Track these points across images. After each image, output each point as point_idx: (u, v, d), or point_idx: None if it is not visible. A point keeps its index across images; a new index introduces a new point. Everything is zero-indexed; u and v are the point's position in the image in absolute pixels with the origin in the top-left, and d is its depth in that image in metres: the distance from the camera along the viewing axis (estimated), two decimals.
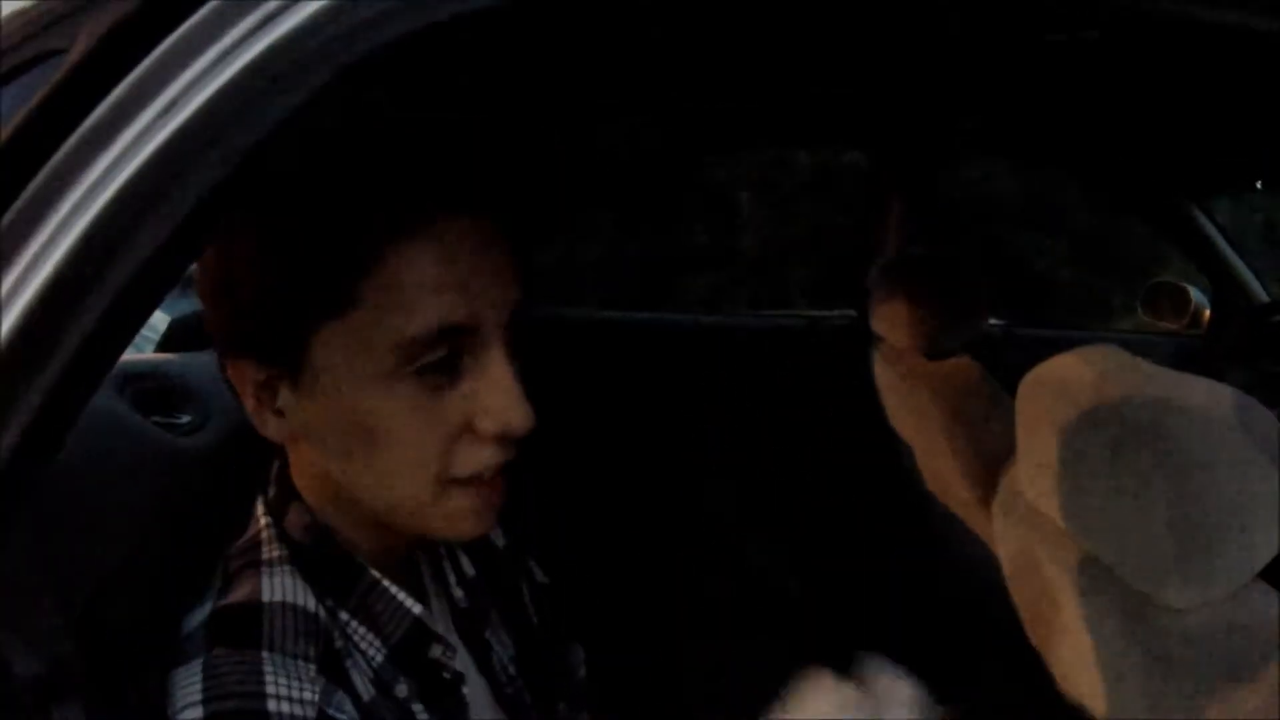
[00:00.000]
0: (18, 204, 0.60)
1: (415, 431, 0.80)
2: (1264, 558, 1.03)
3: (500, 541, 1.13)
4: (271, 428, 0.85)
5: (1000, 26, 1.42)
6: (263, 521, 0.89)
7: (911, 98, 2.17)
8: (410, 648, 0.89)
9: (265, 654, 0.80)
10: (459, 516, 0.85)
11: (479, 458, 0.82)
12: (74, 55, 0.61)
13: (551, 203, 2.67)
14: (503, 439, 0.82)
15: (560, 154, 2.08)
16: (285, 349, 0.81)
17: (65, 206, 0.60)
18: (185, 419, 1.12)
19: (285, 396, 0.83)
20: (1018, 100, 2.08)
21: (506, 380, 0.81)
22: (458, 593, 1.01)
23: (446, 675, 0.92)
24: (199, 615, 0.84)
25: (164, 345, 1.36)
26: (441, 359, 0.79)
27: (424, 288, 0.77)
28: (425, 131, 0.82)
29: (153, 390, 1.11)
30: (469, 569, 1.05)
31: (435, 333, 0.78)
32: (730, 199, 7.42)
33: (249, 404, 0.85)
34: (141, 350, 1.38)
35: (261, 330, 0.81)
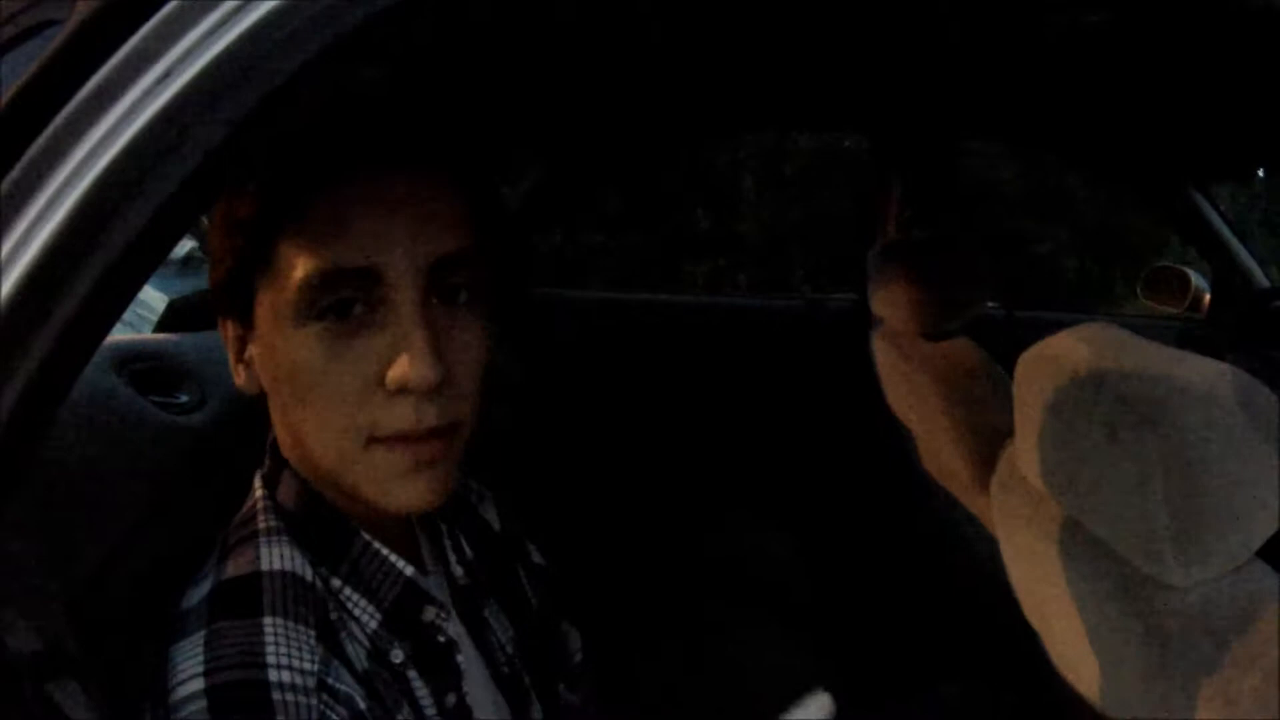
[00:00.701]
0: (14, 171, 0.60)
1: (325, 379, 0.81)
2: (1262, 535, 1.03)
3: (498, 525, 1.14)
4: (241, 379, 0.89)
5: (1002, 10, 1.42)
6: (259, 493, 0.90)
7: (913, 82, 2.17)
8: (403, 610, 0.90)
9: (267, 619, 0.80)
10: (387, 479, 0.84)
11: (394, 414, 0.81)
12: (71, 24, 0.61)
13: (510, 158, 2.67)
14: (414, 396, 0.81)
15: (524, 112, 2.07)
16: (240, 302, 0.84)
17: (62, 174, 0.60)
18: (183, 398, 1.12)
19: (250, 350, 0.87)
20: (1020, 85, 2.07)
21: (411, 332, 0.80)
22: (457, 570, 1.01)
23: (440, 639, 0.92)
24: (199, 590, 0.84)
25: (162, 325, 1.36)
26: (341, 303, 0.80)
27: (319, 235, 0.79)
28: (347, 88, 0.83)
29: (151, 370, 1.11)
30: (468, 550, 1.05)
31: (325, 275, 0.79)
32: (732, 183, 7.41)
33: (230, 358, 0.89)
34: (139, 330, 1.38)
35: (228, 284, 0.84)
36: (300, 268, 0.79)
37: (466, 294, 0.85)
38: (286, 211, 0.79)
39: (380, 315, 0.81)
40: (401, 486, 0.84)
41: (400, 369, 0.79)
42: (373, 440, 0.82)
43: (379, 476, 0.84)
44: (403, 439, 0.83)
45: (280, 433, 0.91)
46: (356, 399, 0.81)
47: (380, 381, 0.81)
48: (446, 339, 0.83)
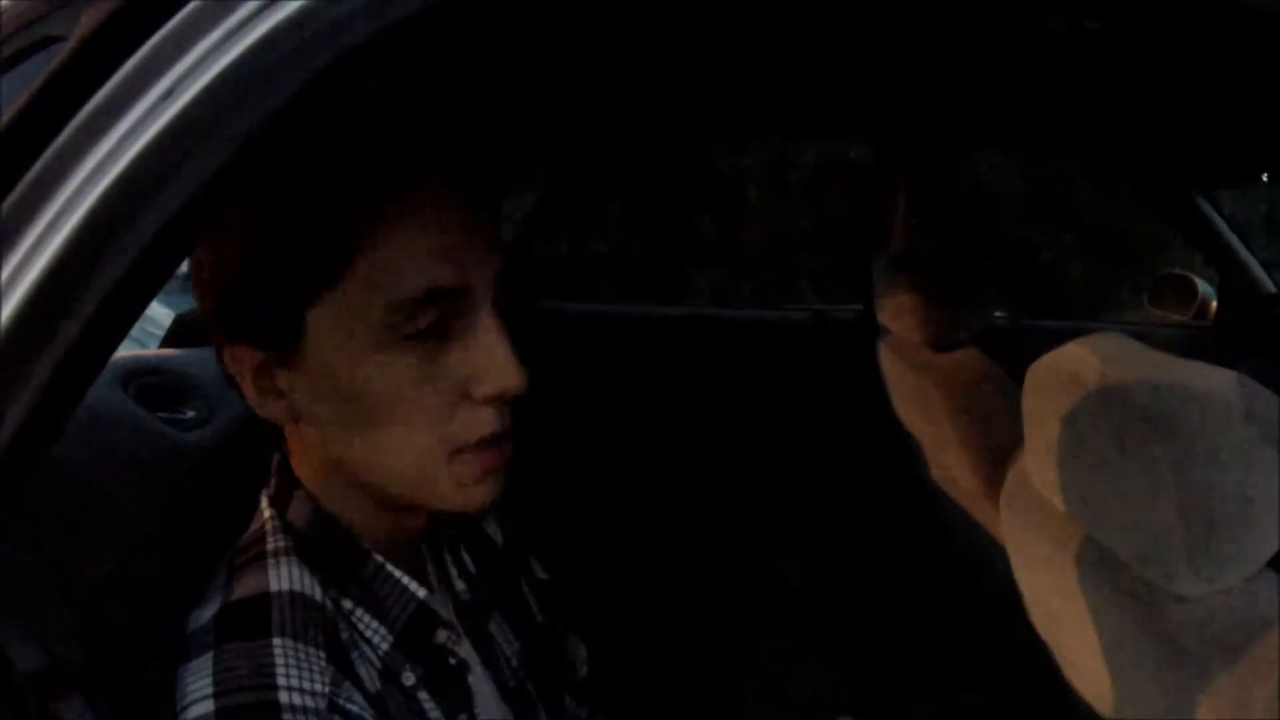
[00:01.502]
0: (19, 189, 0.60)
1: (412, 399, 0.81)
2: (1272, 546, 1.03)
3: (500, 539, 1.13)
4: (273, 410, 0.86)
5: (1003, 16, 1.42)
6: (267, 514, 0.89)
7: (917, 90, 2.17)
8: (416, 633, 0.90)
9: (276, 640, 0.80)
10: (469, 483, 0.85)
11: (479, 422, 0.83)
12: (74, 41, 0.61)
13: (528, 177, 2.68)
14: (499, 402, 0.83)
15: (544, 133, 2.08)
16: (281, 327, 0.82)
17: (66, 192, 0.60)
18: (190, 414, 1.11)
19: (284, 377, 0.84)
20: (1023, 92, 2.07)
21: (499, 342, 0.82)
22: (460, 585, 1.01)
23: (453, 661, 0.92)
24: (207, 611, 0.84)
25: (168, 341, 1.36)
26: (432, 324, 0.80)
27: (411, 253, 0.79)
28: (412, 107, 0.83)
29: (157, 385, 1.11)
30: (470, 565, 1.05)
31: (424, 296, 0.79)
32: (736, 192, 7.41)
33: (248, 389, 0.85)
34: (146, 346, 1.38)
35: (257, 310, 0.82)
36: (391, 289, 0.79)
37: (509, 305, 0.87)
38: (358, 234, 0.78)
39: (460, 329, 0.82)
40: (481, 488, 0.86)
41: (496, 381, 0.82)
42: (457, 451, 0.83)
43: (463, 482, 0.84)
44: (483, 446, 0.84)
45: (306, 456, 0.89)
46: (442, 413, 0.82)
47: (463, 394, 0.82)
48: None
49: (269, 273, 0.80)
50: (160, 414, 1.07)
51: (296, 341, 0.82)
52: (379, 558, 0.89)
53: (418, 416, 0.82)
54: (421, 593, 0.90)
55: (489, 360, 0.82)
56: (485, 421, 0.83)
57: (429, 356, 0.81)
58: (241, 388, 0.86)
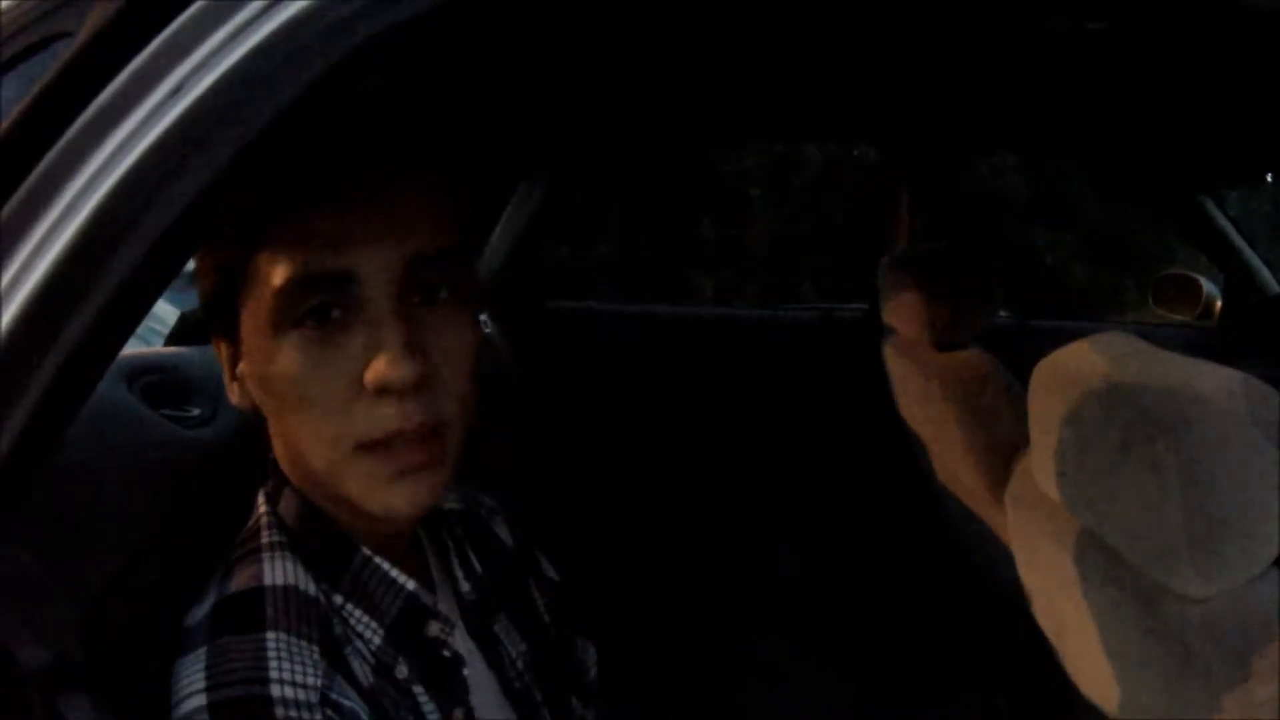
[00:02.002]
0: (25, 185, 0.60)
1: (313, 388, 0.80)
2: (1277, 548, 1.03)
3: (509, 541, 1.13)
4: (234, 395, 0.88)
5: (1005, 16, 1.42)
6: (262, 509, 0.90)
7: (920, 90, 2.17)
8: (406, 625, 0.90)
9: (270, 634, 0.80)
10: (374, 485, 0.82)
11: (379, 417, 0.80)
12: (83, 37, 0.61)
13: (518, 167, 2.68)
14: (397, 397, 0.80)
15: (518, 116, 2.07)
16: (226, 319, 0.84)
17: (73, 189, 0.60)
18: (194, 411, 1.11)
19: (241, 365, 0.86)
20: (1027, 93, 2.07)
21: (386, 331, 0.79)
22: (464, 586, 1.01)
23: (446, 654, 0.92)
24: (203, 606, 0.84)
25: (173, 339, 1.36)
26: (318, 308, 0.79)
27: (290, 241, 0.78)
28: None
29: (162, 383, 1.11)
30: (477, 566, 1.05)
31: (301, 282, 0.78)
32: (739, 194, 7.41)
33: (225, 377, 0.88)
34: (150, 343, 1.38)
35: (210, 303, 0.85)
36: (275, 276, 0.78)
37: (448, 292, 0.84)
38: (261, 221, 0.78)
39: (358, 318, 0.80)
40: (389, 492, 0.83)
41: (377, 368, 0.78)
42: (360, 447, 0.81)
43: (367, 483, 0.82)
44: (388, 446, 0.81)
45: (276, 447, 0.90)
46: (341, 405, 0.80)
47: (363, 385, 0.80)
48: (427, 338, 0.82)
49: (213, 264, 0.83)
50: (164, 411, 1.07)
51: (235, 331, 0.84)
52: (366, 551, 0.89)
53: (318, 405, 0.80)
54: (410, 584, 0.90)
55: (374, 349, 0.79)
56: (385, 417, 0.80)
57: (320, 343, 0.80)
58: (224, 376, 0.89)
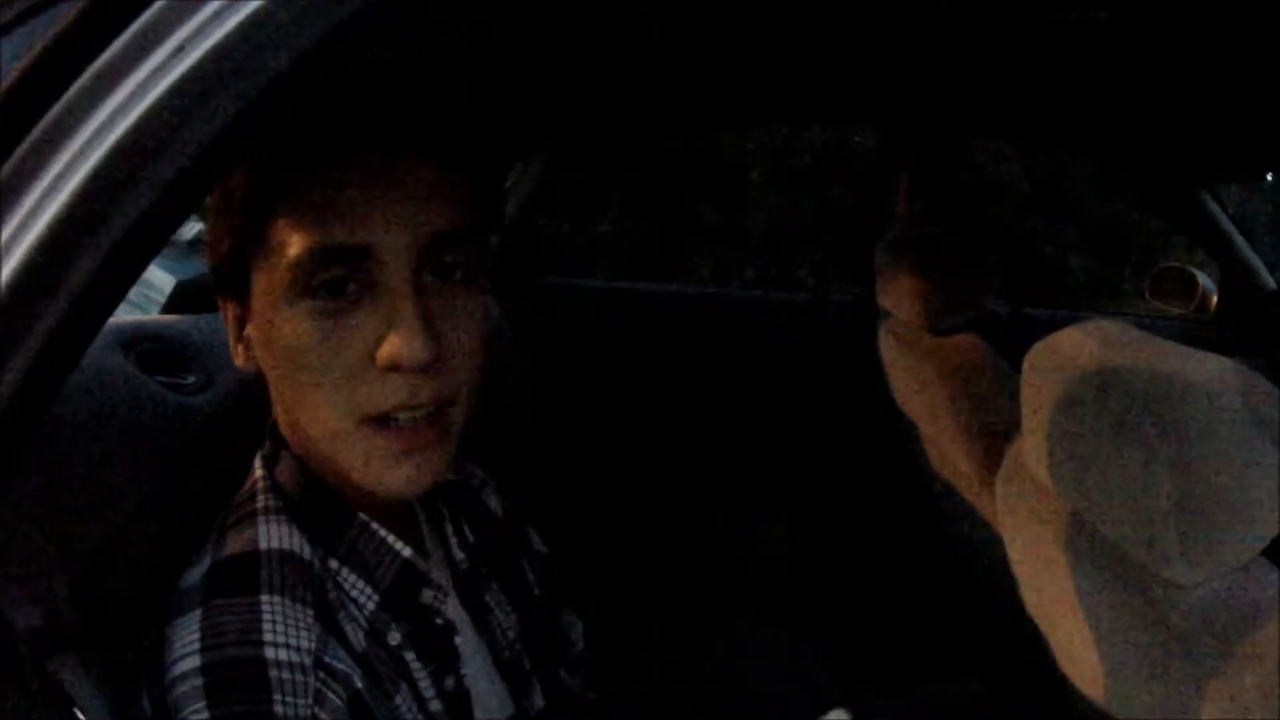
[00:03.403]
0: (26, 143, 0.60)
1: (321, 357, 0.81)
2: (1267, 534, 1.03)
3: (501, 512, 1.14)
4: (240, 358, 0.89)
5: (1011, 5, 1.41)
6: (259, 473, 0.91)
7: (922, 76, 2.16)
8: (401, 592, 0.91)
9: (264, 597, 0.81)
10: (375, 461, 0.84)
11: (386, 392, 0.81)
12: None
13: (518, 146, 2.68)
14: (406, 374, 0.81)
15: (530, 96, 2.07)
16: (236, 282, 0.85)
17: (75, 146, 0.60)
18: (190, 379, 1.12)
19: (248, 328, 0.87)
20: (1028, 81, 2.07)
21: (401, 308, 0.80)
22: (458, 555, 1.01)
23: (439, 621, 0.93)
24: (197, 569, 0.84)
25: (169, 307, 1.36)
26: (334, 281, 0.80)
27: (312, 213, 0.79)
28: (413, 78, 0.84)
29: (158, 350, 1.11)
30: (470, 536, 1.05)
31: (319, 253, 0.79)
32: (739, 176, 7.40)
33: (230, 338, 0.89)
34: (147, 312, 1.38)
35: (221, 266, 0.85)
36: (293, 245, 0.79)
37: (461, 272, 0.85)
38: (281, 189, 0.79)
39: (373, 293, 0.81)
40: (390, 470, 0.84)
41: (392, 346, 0.79)
42: (365, 421, 0.82)
43: (368, 459, 0.84)
44: (393, 425, 0.83)
45: (279, 412, 0.91)
46: (349, 377, 0.81)
47: (373, 360, 0.80)
48: (440, 317, 0.83)
49: (227, 228, 0.83)
50: (160, 379, 1.07)
51: (245, 296, 0.85)
52: (364, 516, 0.89)
53: (323, 377, 0.81)
54: (406, 551, 0.91)
55: (391, 326, 0.80)
56: (393, 393, 0.81)
57: (333, 316, 0.80)
58: (229, 338, 0.89)
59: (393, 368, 0.80)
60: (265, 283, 0.82)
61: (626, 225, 7.18)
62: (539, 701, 1.05)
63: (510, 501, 1.17)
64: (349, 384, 0.81)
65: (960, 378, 1.91)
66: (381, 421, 0.83)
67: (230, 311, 0.88)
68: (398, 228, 0.80)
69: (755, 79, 2.22)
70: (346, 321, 0.81)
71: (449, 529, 1.03)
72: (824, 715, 0.86)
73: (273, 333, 0.82)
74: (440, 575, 0.97)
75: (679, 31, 1.61)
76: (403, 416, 0.83)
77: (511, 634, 1.05)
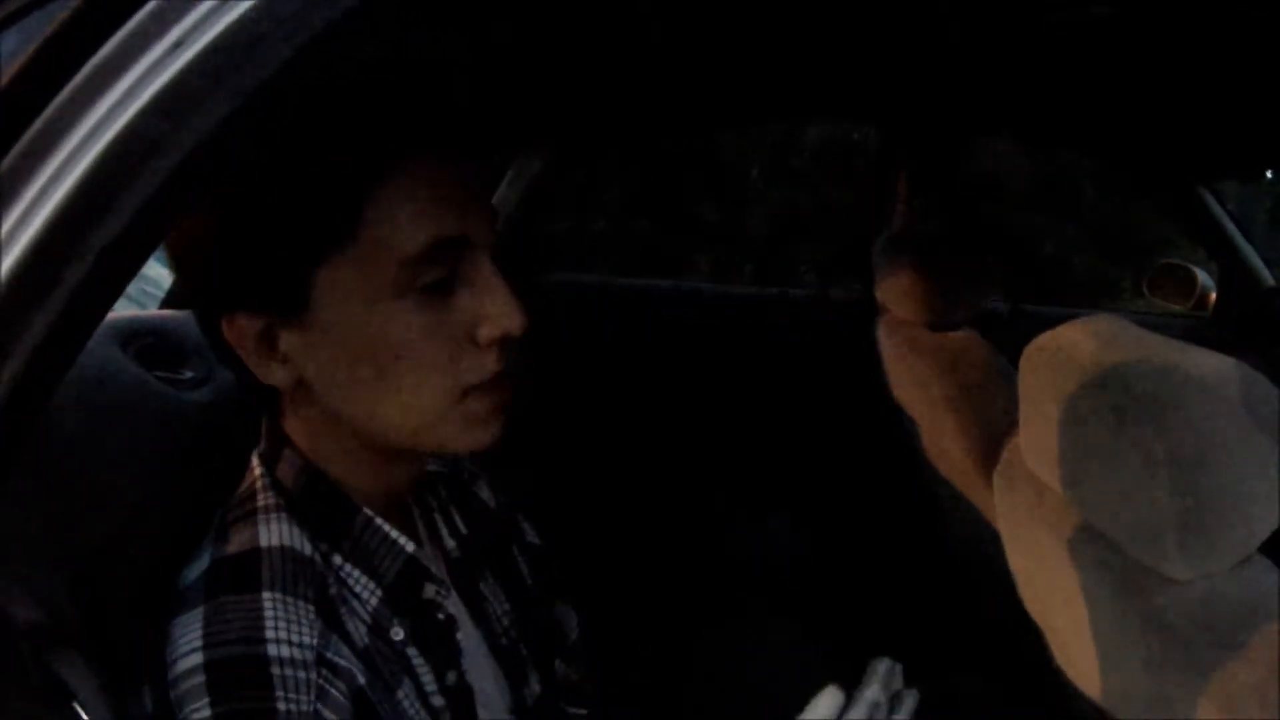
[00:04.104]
0: (24, 139, 0.60)
1: (425, 346, 0.84)
2: (1264, 532, 1.03)
3: (492, 502, 1.14)
4: (277, 376, 0.86)
5: (1012, 2, 1.41)
6: (257, 472, 0.91)
7: (922, 74, 2.16)
8: (404, 587, 0.91)
9: (266, 594, 0.81)
10: (474, 422, 0.88)
11: (484, 363, 0.86)
12: None
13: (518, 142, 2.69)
14: (502, 343, 0.87)
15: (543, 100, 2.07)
16: (287, 291, 0.82)
17: (73, 141, 0.60)
18: (188, 374, 1.12)
19: (287, 340, 0.85)
20: (1028, 78, 2.07)
21: (500, 287, 0.85)
22: (450, 543, 1.02)
23: (441, 616, 0.93)
24: (198, 567, 0.85)
25: (168, 302, 1.36)
26: (440, 275, 0.83)
27: (415, 208, 0.81)
28: (414, 76, 0.87)
29: (157, 346, 1.11)
30: (462, 527, 1.06)
31: (430, 247, 0.82)
32: (739, 173, 7.40)
33: (250, 357, 0.86)
34: (146, 307, 1.38)
35: (262, 276, 0.83)
36: (403, 242, 0.81)
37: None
38: (366, 192, 0.80)
39: (464, 277, 0.85)
40: (485, 427, 0.89)
41: (500, 324, 0.85)
42: (467, 391, 0.86)
43: (470, 422, 0.88)
44: (488, 387, 0.87)
45: (298, 415, 0.91)
46: (452, 357, 0.85)
47: (469, 337, 0.85)
48: None
49: (278, 238, 0.81)
50: (159, 374, 1.07)
51: (303, 304, 0.83)
52: (368, 512, 0.90)
53: (430, 363, 0.84)
54: (410, 546, 0.91)
55: (492, 305, 0.85)
56: (490, 362, 0.86)
57: (438, 305, 0.84)
58: (242, 357, 0.86)
59: (499, 340, 0.86)
60: (355, 286, 0.82)
61: (625, 223, 7.18)
62: (536, 689, 1.06)
63: (503, 494, 1.17)
64: (452, 364, 0.85)
65: (958, 374, 1.91)
66: (479, 389, 0.87)
67: (247, 327, 0.85)
68: (485, 217, 0.86)
69: (755, 77, 2.22)
70: (447, 308, 0.84)
71: (439, 519, 1.03)
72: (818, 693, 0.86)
73: (364, 332, 0.83)
74: (436, 568, 0.98)
75: (678, 30, 1.61)
76: (498, 381, 0.88)
77: (506, 622, 1.05)
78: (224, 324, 0.85)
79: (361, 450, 0.90)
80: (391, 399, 0.85)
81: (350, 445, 0.90)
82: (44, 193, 0.60)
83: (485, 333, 0.85)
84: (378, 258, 0.81)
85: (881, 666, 0.92)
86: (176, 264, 0.89)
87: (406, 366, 0.84)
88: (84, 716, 0.69)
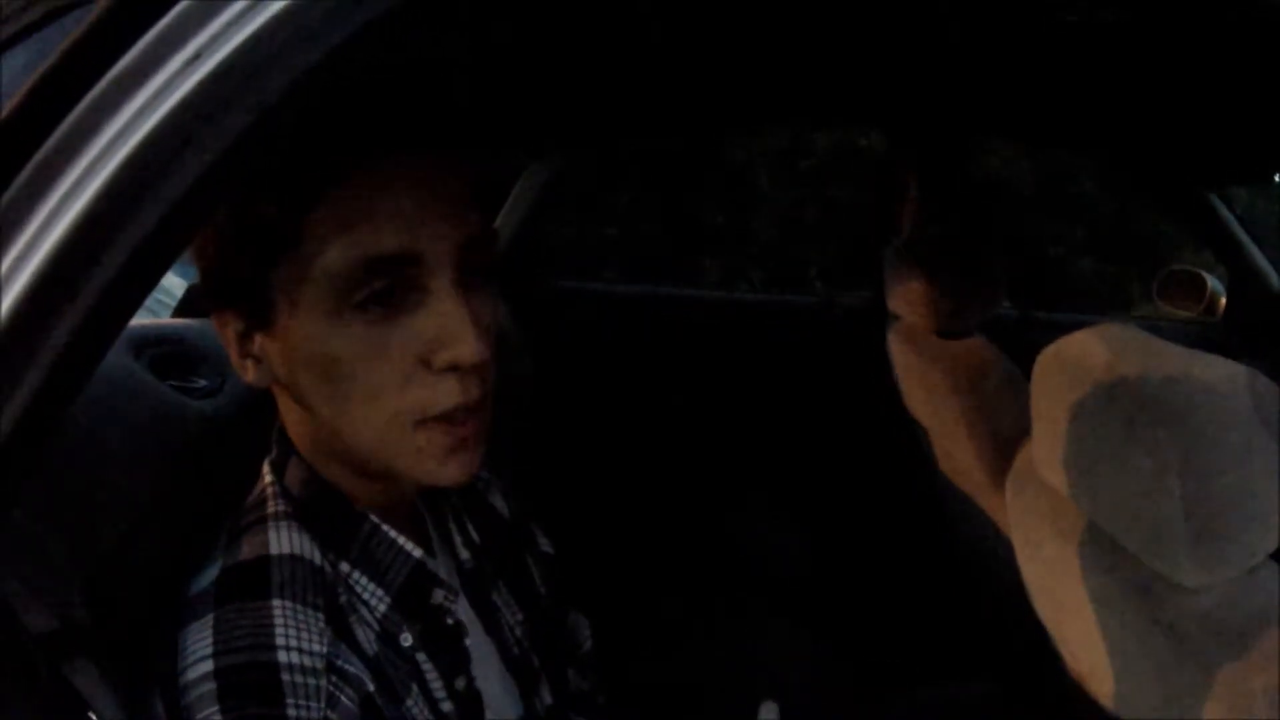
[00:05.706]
0: (44, 150, 0.60)
1: (369, 367, 0.81)
2: (1275, 539, 1.03)
3: (506, 511, 1.14)
4: (251, 374, 0.87)
5: (1016, 5, 1.41)
6: (267, 479, 0.91)
7: (929, 79, 2.16)
8: (412, 593, 0.91)
9: (276, 602, 0.81)
10: (427, 457, 0.84)
11: (440, 393, 0.82)
12: (102, 3, 0.61)
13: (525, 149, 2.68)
14: (462, 373, 0.82)
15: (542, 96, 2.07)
16: (251, 294, 0.82)
17: (91, 153, 0.60)
18: (201, 382, 1.12)
19: (260, 342, 0.85)
20: (1036, 83, 2.07)
21: (455, 311, 0.80)
22: (463, 554, 1.02)
23: (450, 621, 0.93)
24: (208, 575, 0.85)
25: (181, 310, 1.37)
26: (382, 291, 0.79)
27: (354, 221, 0.78)
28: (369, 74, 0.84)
29: (169, 354, 1.11)
30: (475, 535, 1.06)
31: (366, 264, 0.78)
32: (746, 179, 7.40)
33: (232, 354, 0.87)
34: (158, 315, 1.39)
35: (230, 278, 0.83)
36: (336, 257, 0.78)
37: (482, 274, 0.85)
38: (311, 200, 0.78)
39: (417, 298, 0.81)
40: (445, 464, 0.85)
41: (453, 349, 0.80)
42: (420, 422, 0.83)
43: (425, 456, 0.84)
44: (447, 420, 0.83)
45: (293, 421, 0.91)
46: (402, 383, 0.81)
47: (424, 363, 0.81)
48: (479, 316, 0.83)
49: (234, 241, 0.81)
50: (171, 382, 1.07)
51: (266, 308, 0.82)
52: (374, 519, 0.90)
53: (376, 385, 0.81)
54: (417, 552, 0.91)
55: (443, 329, 0.80)
56: (447, 393, 0.82)
57: (382, 324, 0.80)
58: (228, 352, 0.87)
59: (452, 368, 0.81)
60: (296, 296, 0.80)
61: (633, 228, 7.18)
62: (548, 699, 1.06)
63: (516, 502, 1.17)
64: (402, 389, 0.81)
65: (969, 381, 1.91)
66: (436, 420, 0.83)
67: (232, 326, 0.86)
68: (442, 233, 0.80)
69: (761, 81, 2.22)
70: (395, 329, 0.81)
71: (453, 528, 1.03)
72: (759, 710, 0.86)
73: (308, 347, 0.82)
74: (448, 575, 0.98)
75: (684, 34, 1.61)
76: (458, 414, 0.83)
77: (519, 632, 1.05)
78: (214, 319, 0.87)
79: (356, 462, 0.88)
80: (347, 417, 0.83)
81: (344, 455, 0.88)
82: (64, 203, 0.60)
83: (437, 359, 0.81)
84: (316, 269, 0.79)
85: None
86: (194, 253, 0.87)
87: (355, 386, 0.81)
88: None
